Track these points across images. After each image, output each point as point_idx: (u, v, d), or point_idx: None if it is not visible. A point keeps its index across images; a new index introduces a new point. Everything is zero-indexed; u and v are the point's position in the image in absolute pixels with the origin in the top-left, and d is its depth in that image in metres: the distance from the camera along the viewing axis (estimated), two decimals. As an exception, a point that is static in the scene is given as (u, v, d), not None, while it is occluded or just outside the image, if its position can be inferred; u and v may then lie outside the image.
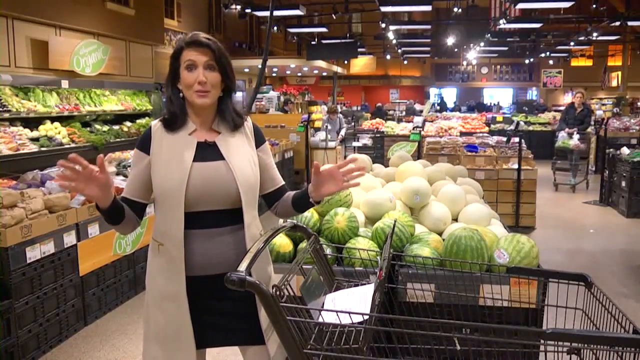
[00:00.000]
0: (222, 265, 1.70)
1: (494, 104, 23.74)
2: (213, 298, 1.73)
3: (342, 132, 10.13)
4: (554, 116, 15.87)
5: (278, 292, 1.41)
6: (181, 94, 1.76)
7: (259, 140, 1.88)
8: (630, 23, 13.50)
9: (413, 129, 6.79)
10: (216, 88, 1.74)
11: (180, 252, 1.70)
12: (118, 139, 9.02)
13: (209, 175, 1.71)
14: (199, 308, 1.73)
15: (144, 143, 1.78)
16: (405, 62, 23.91)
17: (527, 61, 24.49)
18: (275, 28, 13.85)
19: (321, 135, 9.57)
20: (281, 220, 2.64)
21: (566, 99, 24.95)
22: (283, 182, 1.96)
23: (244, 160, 1.78)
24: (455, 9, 12.91)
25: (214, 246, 1.72)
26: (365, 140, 10.81)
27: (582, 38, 15.73)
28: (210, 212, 1.72)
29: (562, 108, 20.12)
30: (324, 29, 14.70)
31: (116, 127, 9.45)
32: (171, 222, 1.70)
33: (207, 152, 1.75)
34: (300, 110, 12.27)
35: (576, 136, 8.99)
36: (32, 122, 7.71)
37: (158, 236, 1.76)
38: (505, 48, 19.77)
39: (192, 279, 1.71)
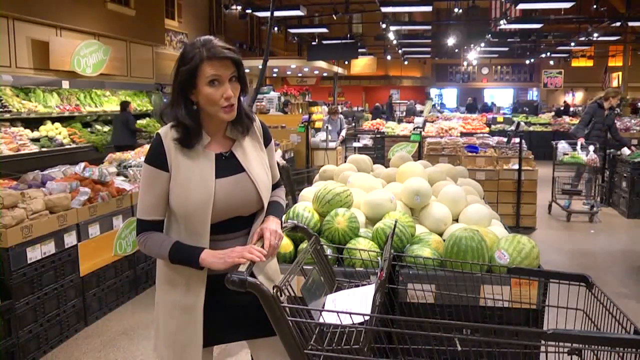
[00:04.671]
0: (235, 265, 1.69)
1: (494, 105, 23.71)
2: (226, 294, 1.66)
3: (343, 133, 10.13)
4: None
5: (279, 293, 1.41)
6: (194, 106, 1.67)
7: (267, 139, 1.87)
8: (630, 23, 13.52)
9: (413, 129, 6.79)
10: (237, 98, 1.68)
11: (204, 269, 1.66)
12: (119, 140, 9.03)
13: (232, 190, 1.68)
14: (212, 307, 1.71)
15: (159, 159, 1.65)
16: (406, 62, 23.94)
17: (527, 62, 24.51)
18: (275, 28, 13.88)
19: (322, 135, 9.57)
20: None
21: (567, 99, 24.97)
22: (278, 177, 1.96)
23: (261, 167, 1.77)
24: (456, 10, 12.93)
25: (230, 247, 1.69)
26: (366, 140, 10.81)
27: (582, 38, 15.76)
28: (230, 220, 1.71)
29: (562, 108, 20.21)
30: (324, 30, 14.72)
31: (117, 128, 9.47)
32: (193, 239, 1.65)
33: (226, 164, 1.71)
34: (300, 110, 12.28)
35: (591, 147, 6.88)
36: (33, 123, 7.73)
37: None
38: (506, 48, 19.81)
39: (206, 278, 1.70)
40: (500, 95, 27.48)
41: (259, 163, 1.78)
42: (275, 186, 1.92)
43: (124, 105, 9.08)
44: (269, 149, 1.88)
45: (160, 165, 1.65)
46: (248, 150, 1.77)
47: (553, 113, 18.04)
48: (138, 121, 10.07)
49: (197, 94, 1.64)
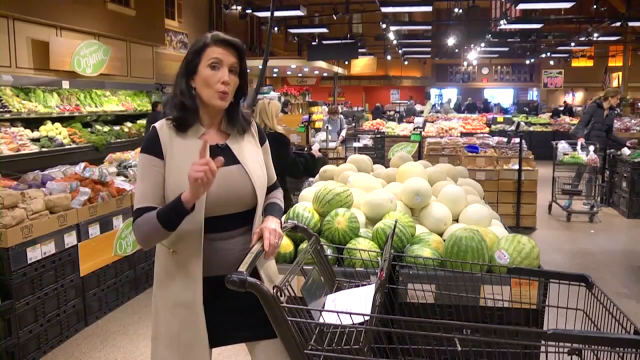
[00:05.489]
0: (234, 265, 1.68)
1: (494, 104, 23.69)
2: (226, 296, 1.69)
3: (343, 133, 10.11)
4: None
5: (279, 293, 1.41)
6: (194, 92, 1.70)
7: (262, 140, 1.88)
8: (630, 23, 13.51)
9: (414, 129, 6.80)
10: (233, 91, 1.70)
11: (199, 261, 1.66)
12: (119, 140, 9.05)
13: (227, 180, 1.68)
14: (213, 308, 1.70)
15: (154, 147, 1.67)
16: (406, 62, 23.94)
17: (527, 62, 24.51)
18: (275, 28, 13.87)
19: (322, 135, 9.56)
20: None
21: (567, 99, 24.97)
22: (275, 179, 1.97)
23: (256, 162, 1.78)
24: (456, 10, 12.92)
25: (228, 247, 1.71)
26: (366, 140, 10.81)
27: (582, 38, 15.76)
28: (225, 216, 1.70)
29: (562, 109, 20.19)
30: (324, 30, 14.72)
31: (117, 128, 9.48)
32: (188, 230, 1.64)
33: (221, 155, 1.69)
34: (300, 110, 12.27)
35: (591, 147, 6.86)
36: (33, 123, 7.72)
37: (169, 242, 1.69)
38: (506, 48, 19.81)
39: (205, 279, 1.68)
40: (500, 95, 27.47)
41: (255, 158, 1.79)
42: (272, 188, 1.93)
43: (154, 105, 9.77)
44: (264, 149, 1.88)
45: (155, 153, 1.66)
46: (243, 145, 1.78)
47: (550, 114, 18.01)
48: (138, 121, 10.09)
49: (196, 79, 1.67)
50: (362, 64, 22.19)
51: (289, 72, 17.65)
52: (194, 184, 1.49)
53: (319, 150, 5.29)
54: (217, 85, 1.64)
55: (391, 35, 14.50)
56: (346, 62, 21.35)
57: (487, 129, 12.60)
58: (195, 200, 1.55)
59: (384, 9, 10.62)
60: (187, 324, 1.69)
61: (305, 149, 5.28)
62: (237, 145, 1.76)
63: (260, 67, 7.27)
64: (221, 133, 1.77)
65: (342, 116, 10.66)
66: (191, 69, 1.67)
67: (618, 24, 13.18)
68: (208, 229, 1.67)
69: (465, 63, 24.95)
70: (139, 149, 6.15)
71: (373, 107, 21.28)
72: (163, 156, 1.66)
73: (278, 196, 1.94)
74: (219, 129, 1.77)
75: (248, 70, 1.78)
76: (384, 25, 12.98)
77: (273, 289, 1.41)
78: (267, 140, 1.91)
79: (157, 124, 1.71)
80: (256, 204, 1.75)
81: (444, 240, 2.51)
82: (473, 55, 20.94)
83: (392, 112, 20.93)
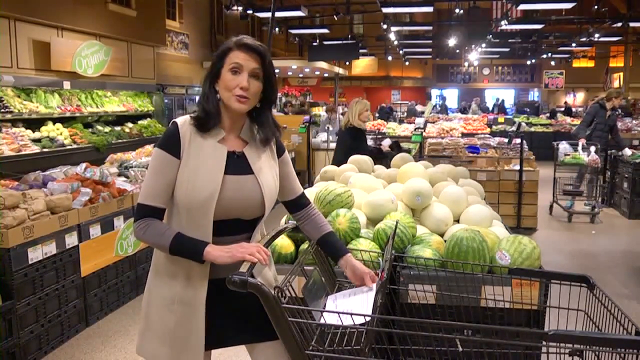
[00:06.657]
0: (235, 267, 1.68)
1: (496, 105, 23.66)
2: (226, 298, 1.69)
3: (343, 133, 10.12)
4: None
5: (280, 293, 1.41)
6: (217, 95, 1.70)
7: (280, 150, 1.86)
8: (632, 24, 13.49)
9: (415, 130, 6.79)
10: (255, 97, 1.70)
11: (206, 265, 1.66)
12: (120, 140, 9.05)
13: (238, 189, 1.68)
14: (213, 310, 1.70)
15: (173, 145, 1.65)
16: (407, 63, 23.92)
17: (528, 62, 24.48)
18: (276, 29, 13.86)
19: (323, 136, 9.56)
20: (282, 221, 2.64)
21: (568, 99, 24.96)
22: (302, 191, 1.94)
23: (270, 174, 1.76)
24: (457, 10, 12.91)
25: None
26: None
27: (583, 39, 15.74)
28: (230, 221, 1.70)
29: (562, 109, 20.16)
30: (325, 30, 14.71)
31: (118, 128, 9.48)
32: (195, 233, 1.64)
33: (236, 163, 1.71)
34: (301, 111, 12.27)
35: (592, 148, 6.88)
36: (34, 123, 7.73)
37: None
38: (507, 49, 19.79)
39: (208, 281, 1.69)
40: (501, 96, 27.41)
41: (269, 171, 1.77)
42: (302, 203, 1.93)
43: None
44: (284, 160, 1.87)
45: (172, 151, 1.65)
46: (259, 155, 1.76)
47: (548, 114, 17.95)
48: (139, 122, 10.09)
49: (219, 83, 1.68)
50: (363, 65, 22.19)
51: (290, 73, 17.67)
52: (230, 258, 1.55)
53: (389, 145, 6.53)
54: (236, 90, 1.65)
55: (392, 36, 14.49)
56: (347, 63, 21.35)
57: (488, 130, 12.60)
58: (213, 262, 1.60)
59: (385, 10, 10.62)
60: (185, 319, 1.68)
61: (386, 143, 6.59)
62: (253, 155, 1.75)
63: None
64: (239, 140, 1.76)
65: (341, 116, 10.67)
66: (215, 72, 1.68)
67: (619, 24, 13.17)
68: (213, 232, 1.67)
69: (466, 63, 24.94)
70: (140, 150, 6.08)
71: (378, 108, 21.21)
72: (180, 155, 1.65)
73: (324, 220, 1.94)
74: (238, 135, 1.76)
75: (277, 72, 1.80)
76: (384, 26, 12.97)
77: (274, 290, 1.41)
78: (286, 151, 1.89)
79: (179, 120, 1.70)
80: (263, 213, 1.75)
81: (445, 241, 2.50)
82: (474, 55, 20.93)
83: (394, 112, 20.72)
